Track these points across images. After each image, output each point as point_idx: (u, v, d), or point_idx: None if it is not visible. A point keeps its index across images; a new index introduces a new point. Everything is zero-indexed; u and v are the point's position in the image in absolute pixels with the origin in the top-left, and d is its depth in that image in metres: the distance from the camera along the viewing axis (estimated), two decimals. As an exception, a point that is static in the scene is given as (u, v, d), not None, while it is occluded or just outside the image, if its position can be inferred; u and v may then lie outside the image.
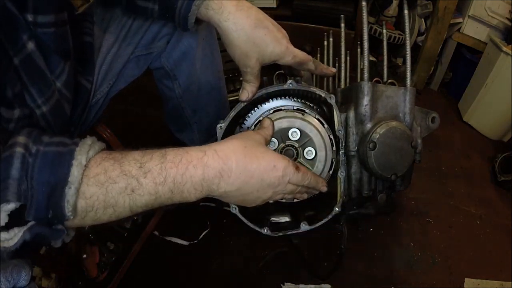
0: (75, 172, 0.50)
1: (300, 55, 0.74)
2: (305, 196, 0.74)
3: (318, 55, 1.41)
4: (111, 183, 0.52)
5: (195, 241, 1.26)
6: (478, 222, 1.37)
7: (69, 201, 0.50)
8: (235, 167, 0.57)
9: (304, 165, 0.76)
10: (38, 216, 0.51)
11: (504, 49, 1.52)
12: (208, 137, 1.25)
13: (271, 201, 0.68)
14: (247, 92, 0.74)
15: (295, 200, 0.76)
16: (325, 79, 1.27)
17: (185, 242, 1.26)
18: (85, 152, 0.52)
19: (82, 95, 0.82)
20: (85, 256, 1.07)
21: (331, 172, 0.77)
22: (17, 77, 0.56)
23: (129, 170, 0.53)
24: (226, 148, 0.58)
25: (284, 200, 0.73)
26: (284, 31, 0.74)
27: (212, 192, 0.58)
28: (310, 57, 0.76)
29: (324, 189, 0.73)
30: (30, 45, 0.58)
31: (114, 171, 0.52)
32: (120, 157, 0.54)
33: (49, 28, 0.60)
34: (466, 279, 1.19)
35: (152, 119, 1.69)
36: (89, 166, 0.52)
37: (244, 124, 0.83)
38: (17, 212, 0.48)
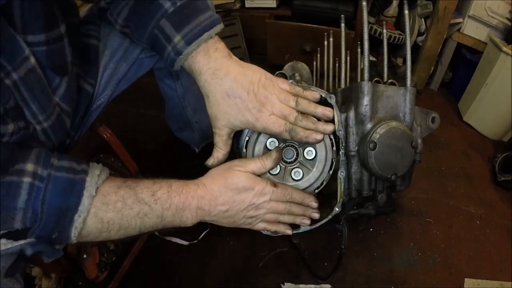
0: (85, 202, 0.56)
1: (272, 128, 0.69)
2: (292, 218, 0.76)
3: (318, 55, 1.41)
4: (127, 209, 0.60)
5: (195, 241, 1.26)
6: (478, 222, 1.37)
7: (77, 227, 0.56)
8: (219, 195, 0.67)
9: (305, 166, 0.76)
10: (41, 236, 0.55)
11: (504, 49, 1.52)
12: (207, 137, 1.25)
13: (260, 225, 0.74)
14: (212, 157, 0.74)
15: (283, 229, 0.77)
16: (325, 79, 1.27)
17: (185, 242, 1.26)
18: (95, 183, 0.58)
19: (84, 100, 0.82)
20: (85, 256, 1.07)
21: (331, 172, 0.77)
22: (12, 93, 0.56)
23: (142, 198, 0.61)
24: (211, 182, 0.68)
25: (274, 230, 0.76)
26: (265, 96, 0.69)
27: (204, 217, 0.68)
28: (283, 128, 0.69)
29: (313, 205, 0.76)
30: (33, 59, 0.58)
31: (130, 198, 0.60)
32: (134, 185, 0.62)
33: (41, 47, 0.59)
34: (466, 279, 1.19)
35: (152, 120, 1.69)
36: (106, 194, 0.59)
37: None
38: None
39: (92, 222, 0.58)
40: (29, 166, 0.54)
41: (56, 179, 0.55)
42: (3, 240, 0.53)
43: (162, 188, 0.63)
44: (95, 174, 0.59)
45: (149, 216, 0.62)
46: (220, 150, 0.73)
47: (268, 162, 0.70)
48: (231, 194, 0.67)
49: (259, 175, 0.71)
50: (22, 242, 0.55)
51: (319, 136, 0.72)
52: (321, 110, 0.72)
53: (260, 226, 0.74)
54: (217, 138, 0.72)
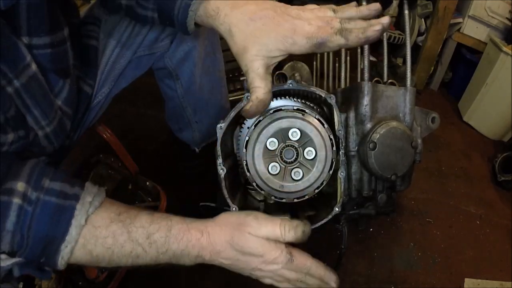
0: (73, 232, 0.53)
1: (317, 34, 0.57)
2: (304, 285, 0.64)
3: (318, 55, 1.41)
4: (118, 247, 0.56)
5: (195, 241, 1.26)
6: (478, 222, 1.37)
7: (63, 257, 0.53)
8: (222, 250, 0.61)
9: (305, 166, 0.76)
10: (29, 259, 0.54)
11: (504, 49, 1.52)
12: (208, 137, 1.25)
13: (268, 281, 0.65)
14: (250, 101, 0.61)
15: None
16: (325, 79, 1.27)
17: (185, 242, 1.25)
18: (85, 211, 0.54)
19: (83, 101, 0.81)
20: (85, 256, 1.07)
21: (331, 172, 0.77)
22: (13, 100, 0.56)
23: (136, 238, 0.56)
24: (217, 233, 0.61)
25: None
26: (296, 11, 0.60)
27: (205, 262, 0.62)
28: (332, 31, 0.57)
29: (333, 284, 0.64)
30: (34, 66, 0.57)
31: (121, 235, 0.56)
32: (128, 221, 0.57)
33: (45, 50, 0.59)
34: (466, 279, 1.19)
35: (152, 119, 1.69)
36: (97, 226, 0.55)
37: (244, 124, 0.83)
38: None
39: (80, 253, 0.54)
40: (20, 185, 0.51)
41: (44, 204, 0.52)
42: (3, 256, 0.53)
43: (159, 231, 0.58)
44: (87, 202, 0.55)
45: (142, 257, 0.57)
46: (259, 88, 0.60)
47: (289, 235, 0.60)
48: (235, 253, 0.61)
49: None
50: (14, 260, 0.54)
51: (378, 27, 0.57)
52: (365, 8, 0.61)
53: (267, 281, 0.65)
54: (252, 75, 0.60)
